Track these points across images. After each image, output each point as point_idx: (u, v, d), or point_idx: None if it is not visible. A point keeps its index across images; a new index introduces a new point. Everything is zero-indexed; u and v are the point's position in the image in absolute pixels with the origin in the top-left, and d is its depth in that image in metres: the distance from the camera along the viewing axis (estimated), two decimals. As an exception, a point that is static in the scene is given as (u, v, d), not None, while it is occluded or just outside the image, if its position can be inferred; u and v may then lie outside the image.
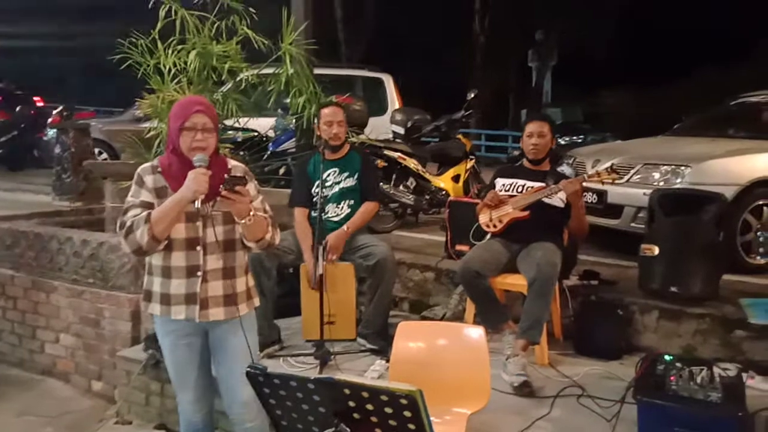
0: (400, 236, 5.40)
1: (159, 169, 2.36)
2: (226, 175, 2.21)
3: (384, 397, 1.66)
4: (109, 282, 3.98)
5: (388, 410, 1.68)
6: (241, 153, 5.89)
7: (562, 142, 15.18)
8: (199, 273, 2.35)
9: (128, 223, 2.25)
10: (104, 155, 8.62)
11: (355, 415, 1.73)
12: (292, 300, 3.86)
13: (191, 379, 2.51)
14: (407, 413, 1.66)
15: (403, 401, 1.64)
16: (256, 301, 2.57)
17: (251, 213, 2.25)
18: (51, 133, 9.03)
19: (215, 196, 2.21)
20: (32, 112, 11.23)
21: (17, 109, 11.20)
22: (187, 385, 2.53)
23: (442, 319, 3.99)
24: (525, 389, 3.07)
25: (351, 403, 1.72)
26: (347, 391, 1.70)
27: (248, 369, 1.80)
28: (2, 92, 12.34)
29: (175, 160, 2.35)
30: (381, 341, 3.56)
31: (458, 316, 3.89)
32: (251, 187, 2.42)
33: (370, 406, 1.70)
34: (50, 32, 18.44)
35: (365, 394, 1.68)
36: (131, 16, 4.28)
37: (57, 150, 6.69)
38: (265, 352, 3.56)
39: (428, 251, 4.74)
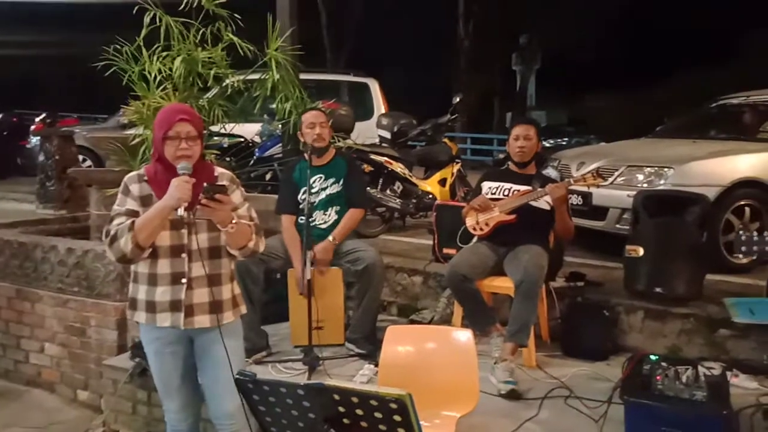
0: (388, 240, 5.42)
1: (145, 178, 2.38)
2: (205, 184, 2.20)
3: (374, 402, 1.67)
4: (94, 290, 3.94)
5: (378, 415, 1.68)
6: (228, 159, 5.88)
7: (547, 145, 15.33)
8: (184, 280, 2.35)
9: (113, 232, 2.26)
10: (88, 162, 8.55)
11: (345, 421, 1.73)
12: (280, 306, 3.86)
13: (175, 387, 2.50)
14: (397, 417, 1.66)
15: (393, 405, 1.64)
16: (243, 309, 2.55)
17: (233, 221, 2.25)
18: (34, 140, 8.95)
19: (199, 203, 2.21)
20: (14, 119, 11.13)
21: (-1, 116, 11.14)
22: (172, 393, 2.52)
23: (430, 322, 4.00)
24: (513, 396, 3.07)
25: (341, 409, 1.72)
26: (337, 397, 1.70)
27: (237, 376, 1.80)
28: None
29: (160, 169, 2.35)
30: (369, 345, 3.56)
31: (446, 320, 3.91)
32: (237, 194, 2.42)
33: (360, 411, 1.70)
34: (33, 40, 18.32)
35: (355, 399, 1.68)
36: (117, 24, 4.25)
37: (41, 158, 6.63)
38: (254, 358, 3.55)
39: (416, 255, 4.75)
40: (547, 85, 22.16)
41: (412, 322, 4.08)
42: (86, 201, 4.99)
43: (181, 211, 2.20)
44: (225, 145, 6.31)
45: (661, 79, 17.45)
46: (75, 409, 4.03)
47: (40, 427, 3.76)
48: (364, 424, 1.72)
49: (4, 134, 10.74)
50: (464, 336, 2.59)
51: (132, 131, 4.24)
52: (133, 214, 2.29)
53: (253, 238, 2.36)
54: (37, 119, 9.13)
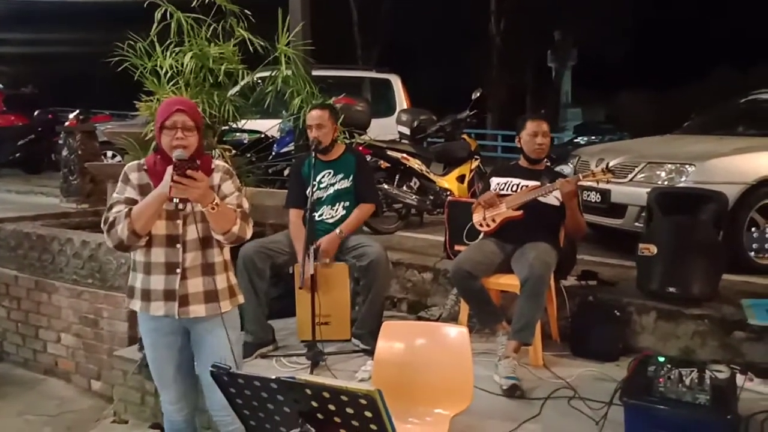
0: (403, 237, 5.38)
1: (145, 167, 2.41)
2: (173, 158, 2.19)
3: (344, 398, 1.64)
4: (107, 282, 4.01)
5: (350, 410, 1.66)
6: (248, 155, 5.91)
7: (582, 142, 15.02)
8: (178, 270, 2.36)
9: (111, 219, 2.30)
10: (118, 158, 8.71)
11: (319, 416, 1.72)
12: (290, 301, 3.86)
13: (170, 378, 2.53)
14: (368, 413, 1.64)
15: (363, 401, 1.62)
16: (240, 299, 2.56)
17: (214, 201, 2.23)
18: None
19: (172, 180, 2.18)
20: (49, 116, 11.42)
21: (35, 113, 11.41)
22: (167, 384, 2.55)
23: (438, 319, 3.96)
24: (514, 392, 3.02)
25: (314, 404, 1.70)
26: (309, 392, 1.68)
27: (212, 368, 1.80)
28: (24, 98, 12.61)
29: (159, 160, 2.38)
30: (374, 342, 3.51)
31: (454, 317, 3.86)
32: (228, 184, 2.42)
33: (332, 407, 1.68)
34: (70, 38, 18.80)
35: (326, 395, 1.66)
36: (145, 20, 4.26)
37: (64, 153, 6.79)
38: (259, 352, 3.57)
39: (429, 252, 4.71)
40: (585, 82, 21.79)
41: (420, 318, 4.05)
42: (107, 195, 5.06)
43: (175, 200, 2.21)
44: (245, 142, 6.36)
45: (700, 76, 16.99)
46: (89, 399, 4.11)
47: (52, 415, 3.84)
48: (337, 419, 1.70)
49: (39, 131, 11.02)
50: (458, 333, 2.54)
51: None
52: (132, 202, 2.32)
53: (238, 222, 2.33)
54: (71, 116, 9.32)
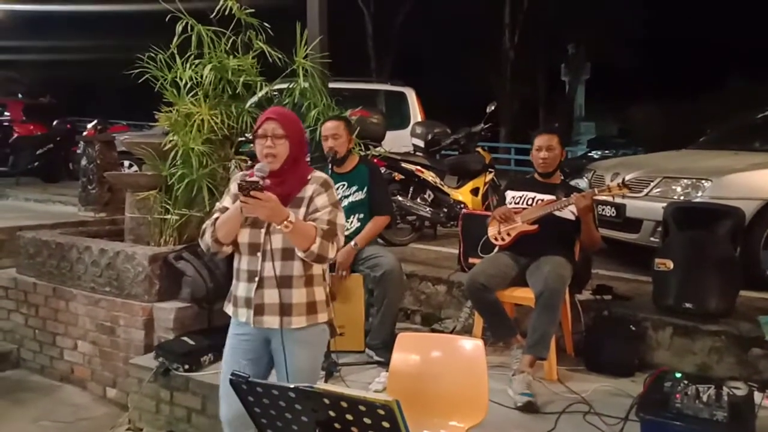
0: (416, 249, 5.40)
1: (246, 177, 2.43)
2: (240, 181, 2.17)
3: (362, 408, 1.65)
4: (124, 291, 4.04)
5: (367, 420, 1.66)
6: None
7: (595, 156, 15.00)
8: (256, 278, 2.37)
9: (204, 226, 2.40)
10: (134, 168, 8.81)
11: (336, 425, 1.72)
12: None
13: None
14: (386, 424, 1.64)
15: (381, 411, 1.62)
16: (322, 317, 2.44)
17: (289, 219, 2.19)
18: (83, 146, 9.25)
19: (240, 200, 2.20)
20: (68, 126, 11.58)
21: (54, 123, 11.59)
22: (230, 396, 2.28)
23: (452, 332, 3.96)
24: (529, 409, 3.00)
25: (331, 413, 1.71)
26: (327, 401, 1.70)
27: (231, 377, 1.81)
28: (43, 107, 12.81)
29: None
30: (387, 353, 3.52)
31: (468, 330, 3.86)
32: (323, 197, 2.35)
33: (349, 416, 1.69)
34: (89, 46, 19.04)
35: (344, 404, 1.67)
36: (165, 31, 4.32)
37: (83, 162, 6.88)
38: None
39: (443, 264, 4.72)
40: (598, 95, 21.79)
41: (434, 331, 4.05)
42: (125, 204, 5.12)
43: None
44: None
45: (713, 90, 16.91)
46: (104, 406, 4.13)
47: (67, 422, 3.87)
48: (354, 429, 1.71)
49: (57, 140, 11.16)
50: (473, 345, 2.53)
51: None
52: (226, 211, 2.38)
53: (317, 241, 2.25)
54: (89, 125, 9.45)
